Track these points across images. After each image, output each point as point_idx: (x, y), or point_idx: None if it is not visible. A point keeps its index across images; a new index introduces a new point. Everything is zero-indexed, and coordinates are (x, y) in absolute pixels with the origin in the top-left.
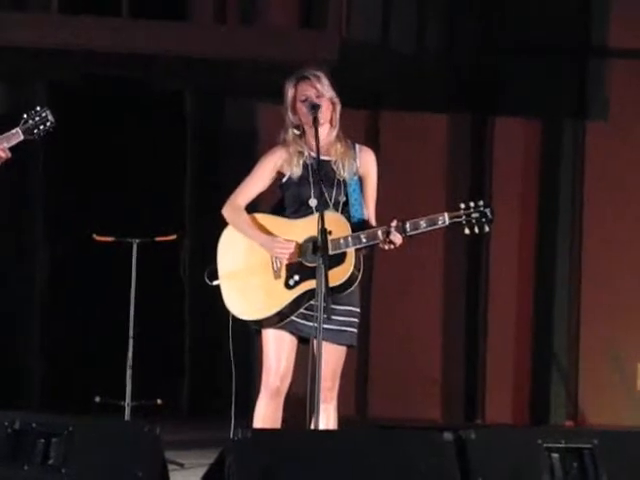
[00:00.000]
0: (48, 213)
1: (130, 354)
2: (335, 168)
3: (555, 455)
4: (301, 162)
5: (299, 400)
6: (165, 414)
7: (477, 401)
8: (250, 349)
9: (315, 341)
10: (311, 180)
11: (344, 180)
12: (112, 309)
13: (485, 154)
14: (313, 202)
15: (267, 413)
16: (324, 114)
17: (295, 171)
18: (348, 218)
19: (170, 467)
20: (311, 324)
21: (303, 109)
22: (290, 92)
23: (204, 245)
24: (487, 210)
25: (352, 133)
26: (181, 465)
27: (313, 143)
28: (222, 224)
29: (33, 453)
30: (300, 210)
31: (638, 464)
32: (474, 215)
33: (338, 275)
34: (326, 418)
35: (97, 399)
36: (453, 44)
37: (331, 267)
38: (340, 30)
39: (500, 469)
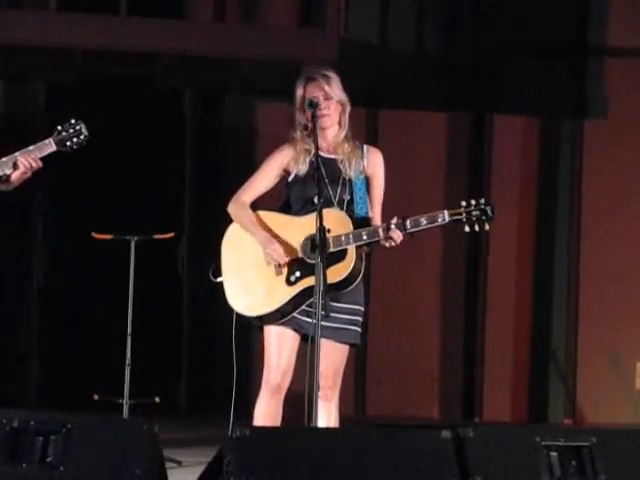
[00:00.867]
0: (47, 211)
1: (128, 352)
2: (341, 166)
3: (553, 453)
4: (307, 160)
5: (299, 397)
6: (163, 412)
7: (475, 399)
8: (249, 346)
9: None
10: (316, 178)
11: (350, 179)
12: (110, 307)
13: (484, 153)
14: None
15: (267, 410)
16: (332, 116)
17: (301, 168)
18: (352, 216)
19: (168, 465)
20: (312, 321)
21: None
22: (299, 92)
23: (202, 243)
24: (487, 208)
25: (351, 132)
26: (179, 463)
27: (320, 141)
28: (220, 222)
29: (31, 451)
30: (305, 207)
31: (636, 462)
32: (474, 213)
33: (339, 271)
34: (327, 416)
35: (95, 397)
36: (451, 43)
37: (332, 264)
38: (339, 29)
39: (498, 467)
